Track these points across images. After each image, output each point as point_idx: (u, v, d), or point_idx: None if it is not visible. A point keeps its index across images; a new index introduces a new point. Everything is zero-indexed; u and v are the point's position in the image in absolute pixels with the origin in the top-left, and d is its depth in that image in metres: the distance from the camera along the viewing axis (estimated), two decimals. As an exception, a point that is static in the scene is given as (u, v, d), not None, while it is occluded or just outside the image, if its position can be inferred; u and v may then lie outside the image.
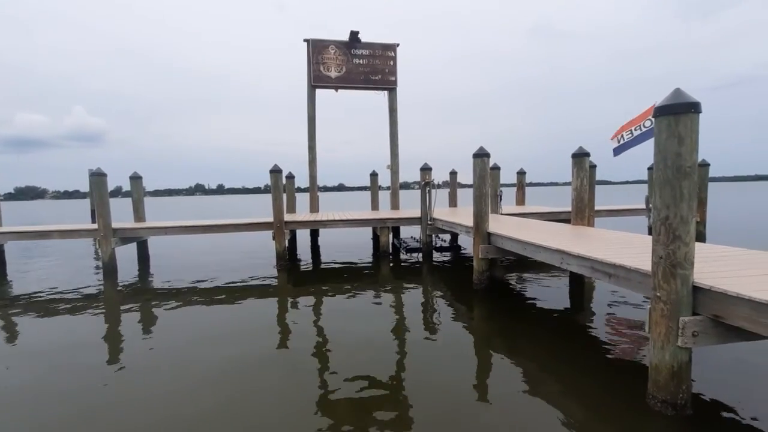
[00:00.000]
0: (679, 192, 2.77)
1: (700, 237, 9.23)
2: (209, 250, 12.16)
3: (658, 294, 2.88)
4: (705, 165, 9.88)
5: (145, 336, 5.04)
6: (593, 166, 8.30)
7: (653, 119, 2.92)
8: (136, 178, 10.33)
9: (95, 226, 8.68)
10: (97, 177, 8.49)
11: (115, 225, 8.72)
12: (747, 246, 4.18)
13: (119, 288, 7.62)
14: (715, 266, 3.30)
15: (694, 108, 2.72)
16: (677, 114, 2.74)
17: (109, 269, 8.51)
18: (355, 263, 9.51)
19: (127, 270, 8.99)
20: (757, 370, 3.66)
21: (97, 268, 9.57)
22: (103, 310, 6.16)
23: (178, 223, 9.54)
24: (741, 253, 3.82)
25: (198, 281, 7.88)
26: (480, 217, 6.47)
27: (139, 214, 10.20)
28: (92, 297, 6.98)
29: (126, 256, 10.04)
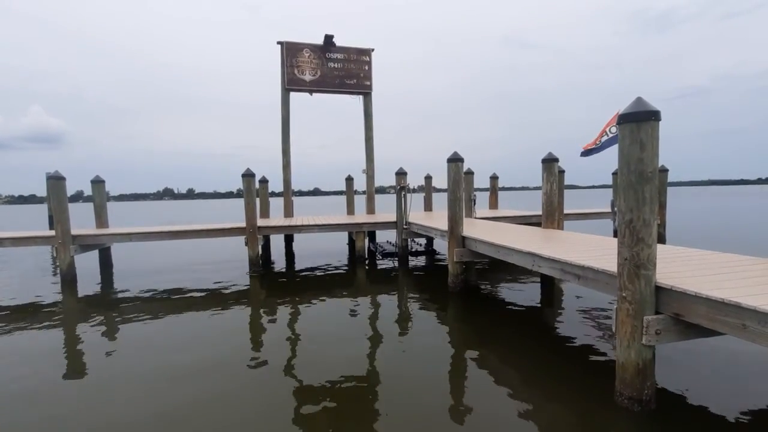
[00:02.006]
0: (642, 196, 2.89)
1: (660, 239, 9.71)
2: (178, 257, 11.71)
3: (624, 294, 2.99)
4: (664, 170, 10.43)
5: (106, 348, 4.74)
6: (562, 171, 8.60)
7: (617, 126, 3.05)
8: (98, 182, 9.85)
9: (52, 232, 8.20)
10: (55, 180, 8.04)
11: (74, 231, 8.28)
12: (703, 247, 4.43)
13: (78, 298, 7.20)
14: (675, 267, 3.47)
15: (654, 116, 2.86)
16: (639, 121, 2.87)
17: (68, 278, 8.04)
18: (331, 268, 9.40)
19: (88, 279, 8.52)
20: (712, 366, 3.86)
21: (54, 277, 9.02)
22: (60, 322, 5.79)
23: (144, 228, 9.15)
24: (698, 254, 4.04)
25: (165, 290, 7.56)
26: (455, 221, 6.55)
27: (101, 219, 9.71)
28: (48, 307, 6.55)
29: (87, 265, 9.52)
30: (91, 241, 8.57)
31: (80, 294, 7.44)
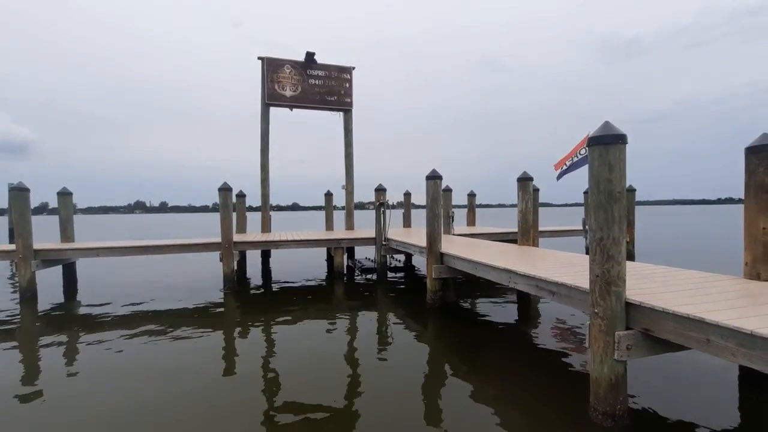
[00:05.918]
0: (611, 215, 3.01)
1: (630, 256, 10.07)
2: (148, 274, 11.27)
3: (596, 310, 3.07)
4: (632, 190, 10.89)
5: (63, 373, 4.44)
6: (536, 190, 8.86)
7: (587, 148, 3.18)
8: (65, 194, 9.43)
9: (12, 246, 7.76)
10: (18, 192, 7.66)
11: (36, 245, 7.86)
12: (670, 264, 4.62)
13: (38, 316, 6.78)
14: (644, 283, 3.59)
15: (621, 139, 3.01)
16: (607, 144, 3.01)
17: (27, 295, 7.59)
18: (309, 285, 9.25)
19: (51, 296, 8.05)
20: (680, 379, 3.98)
21: (13, 294, 8.48)
22: (16, 343, 5.42)
23: (112, 243, 8.78)
24: (665, 271, 4.21)
25: (133, 308, 7.23)
26: (433, 238, 6.60)
27: (67, 233, 9.26)
28: (2, 326, 6.14)
29: (50, 281, 9.02)
30: (54, 256, 8.15)
31: (40, 312, 7.01)
